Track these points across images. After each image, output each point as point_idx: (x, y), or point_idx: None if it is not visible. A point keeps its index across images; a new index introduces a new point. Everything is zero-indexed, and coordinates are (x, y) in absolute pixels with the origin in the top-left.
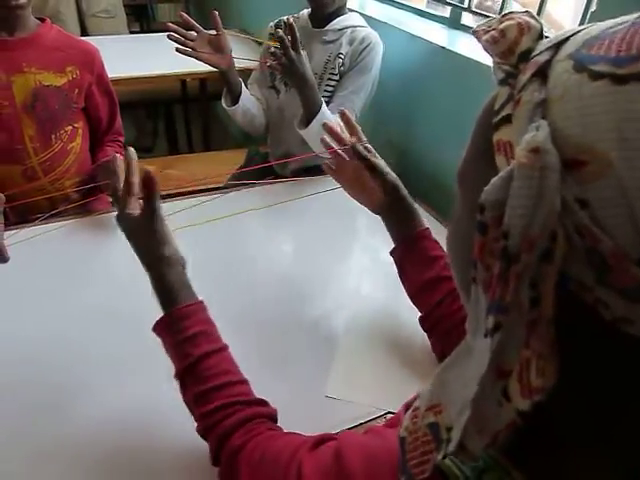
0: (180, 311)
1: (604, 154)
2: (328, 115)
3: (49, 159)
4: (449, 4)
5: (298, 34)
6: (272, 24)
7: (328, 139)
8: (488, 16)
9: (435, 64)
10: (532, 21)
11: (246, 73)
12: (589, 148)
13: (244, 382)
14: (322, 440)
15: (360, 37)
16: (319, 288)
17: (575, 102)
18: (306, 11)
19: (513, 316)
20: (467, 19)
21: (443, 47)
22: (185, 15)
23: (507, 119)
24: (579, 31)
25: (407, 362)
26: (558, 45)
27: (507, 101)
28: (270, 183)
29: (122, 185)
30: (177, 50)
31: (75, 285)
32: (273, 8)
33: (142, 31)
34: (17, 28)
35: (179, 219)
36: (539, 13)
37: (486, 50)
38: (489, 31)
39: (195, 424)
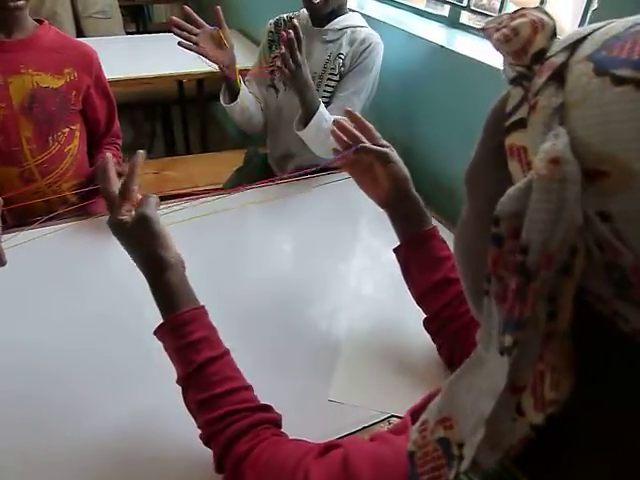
0: (182, 316)
1: (627, 164)
2: (326, 116)
3: (46, 161)
4: (448, 3)
5: (302, 35)
6: (271, 22)
7: (337, 135)
8: (487, 15)
9: (434, 63)
10: (545, 18)
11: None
12: (611, 158)
13: (248, 388)
14: (329, 448)
15: (361, 38)
16: (321, 290)
17: (596, 108)
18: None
19: (529, 332)
20: (466, 18)
21: (442, 46)
22: (189, 9)
23: (521, 123)
24: (596, 30)
25: (410, 365)
26: (574, 45)
27: (520, 103)
28: (269, 182)
29: (116, 188)
30: (179, 44)
31: (74, 289)
32: (271, 7)
33: (138, 32)
34: (15, 29)
35: (176, 221)
36: None
37: (497, 49)
38: (500, 29)
39: (198, 431)
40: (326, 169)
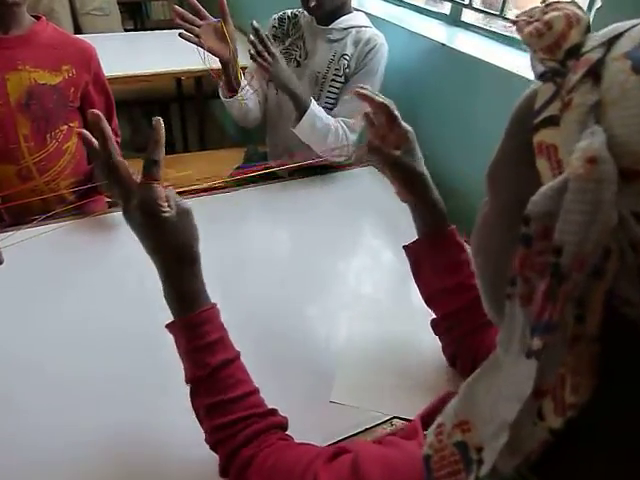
0: (200, 316)
1: None
2: (321, 115)
3: (44, 159)
4: (449, 0)
5: (269, 43)
6: (275, 17)
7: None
8: (489, 13)
9: (435, 61)
10: (580, 12)
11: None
12: None
13: (257, 391)
14: (338, 452)
15: (365, 38)
16: (322, 291)
17: (635, 107)
18: None
19: (557, 335)
20: (467, 16)
21: (443, 44)
22: (193, 0)
23: (551, 120)
24: (634, 27)
25: (412, 366)
26: (611, 41)
27: (550, 100)
28: (270, 180)
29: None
30: (180, 35)
31: (72, 288)
32: (271, 5)
33: (136, 29)
34: (12, 26)
35: None
36: None
37: (527, 43)
38: (532, 22)
39: (201, 434)
40: (329, 167)
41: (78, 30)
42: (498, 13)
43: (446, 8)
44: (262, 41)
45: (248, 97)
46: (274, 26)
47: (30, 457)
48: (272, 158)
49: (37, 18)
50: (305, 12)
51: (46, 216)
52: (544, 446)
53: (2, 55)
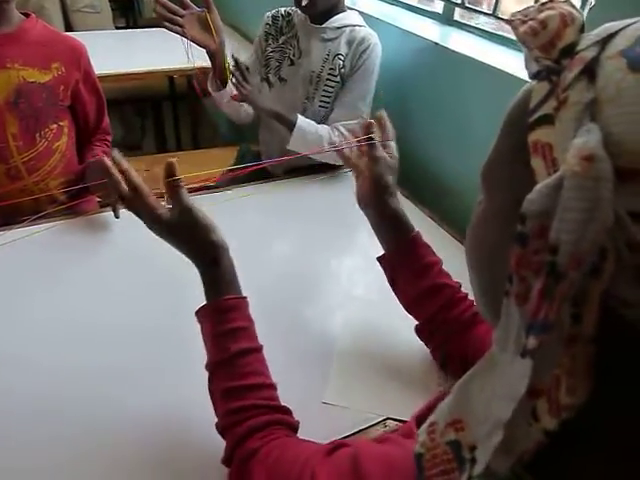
0: (227, 302)
1: None
2: (306, 127)
3: (33, 158)
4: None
5: (247, 74)
6: (269, 14)
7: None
8: (482, 12)
9: (428, 60)
10: (574, 12)
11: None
12: None
13: (273, 387)
14: (336, 447)
15: (359, 38)
16: (314, 291)
17: (631, 106)
18: None
19: (553, 335)
20: (459, 15)
21: (436, 43)
22: None
23: (547, 119)
24: (628, 25)
25: (406, 367)
26: (606, 40)
27: (545, 99)
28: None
29: (125, 189)
30: (163, 25)
31: (64, 288)
32: (263, 3)
33: (128, 27)
34: (0, 23)
35: None
36: None
37: (522, 42)
38: (527, 21)
39: (215, 420)
40: (325, 166)
41: (69, 27)
42: (491, 12)
43: (439, 7)
44: (241, 73)
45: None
46: (267, 24)
47: (49, 447)
48: (265, 157)
49: (26, 15)
50: (299, 11)
51: (37, 217)
52: (538, 446)
53: None
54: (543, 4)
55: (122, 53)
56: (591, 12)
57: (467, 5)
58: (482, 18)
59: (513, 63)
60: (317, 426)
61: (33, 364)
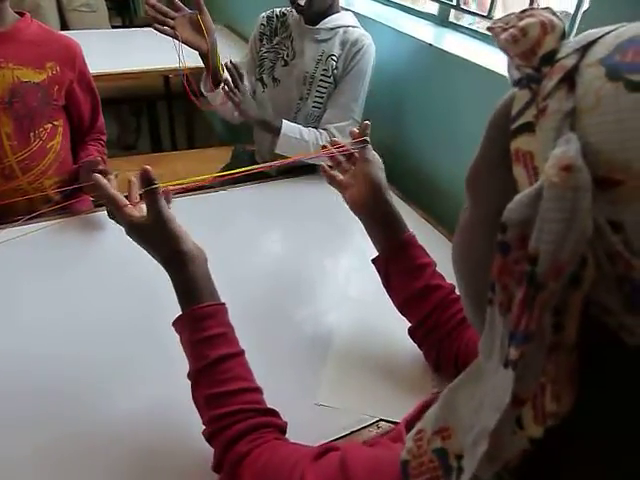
0: (202, 310)
1: None
2: (289, 132)
3: (27, 158)
4: (437, 1)
5: (239, 82)
6: (264, 15)
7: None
8: (476, 14)
9: (422, 61)
10: (555, 19)
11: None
12: (625, 166)
13: (257, 390)
14: (325, 450)
15: (353, 39)
16: (308, 292)
17: (610, 115)
18: None
19: (535, 344)
20: (454, 17)
21: (431, 44)
22: None
23: (527, 127)
24: (607, 33)
25: (399, 368)
26: (585, 48)
27: (526, 106)
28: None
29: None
30: (154, 27)
31: (58, 287)
32: (258, 2)
33: (124, 26)
34: None
35: None
36: None
37: (503, 50)
38: (507, 29)
39: (202, 427)
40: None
41: (65, 26)
42: (486, 15)
43: (434, 8)
44: (234, 80)
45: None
46: (262, 24)
47: (44, 446)
48: (259, 156)
49: (21, 15)
50: (294, 11)
51: (31, 216)
52: (523, 454)
53: None
54: (523, 11)
55: (118, 52)
56: (585, 15)
57: (462, 7)
58: (476, 19)
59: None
60: (310, 427)
61: (27, 363)
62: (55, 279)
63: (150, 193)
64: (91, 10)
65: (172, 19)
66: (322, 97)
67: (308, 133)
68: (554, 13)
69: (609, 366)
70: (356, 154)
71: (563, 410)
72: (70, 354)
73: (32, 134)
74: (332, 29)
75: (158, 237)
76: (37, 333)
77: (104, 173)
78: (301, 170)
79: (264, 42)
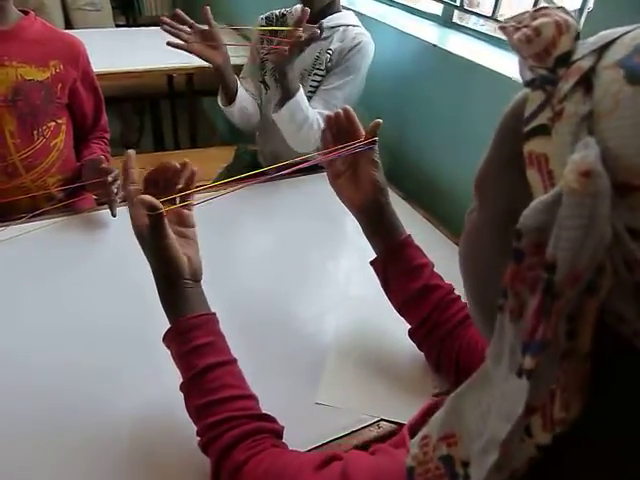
0: (189, 321)
1: None
2: (303, 106)
3: (31, 156)
4: (441, 1)
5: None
6: (263, 17)
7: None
8: (481, 15)
9: (426, 62)
10: (569, 19)
11: (239, 68)
12: None
13: (249, 397)
14: (328, 460)
15: (351, 36)
16: (309, 291)
17: (630, 119)
18: (299, 6)
19: (549, 352)
20: (458, 17)
21: (435, 45)
22: (180, 12)
23: (542, 129)
24: (625, 33)
25: (400, 368)
26: (602, 49)
27: (540, 108)
28: (259, 182)
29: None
30: (168, 44)
31: (61, 286)
32: (260, 3)
33: (128, 25)
34: None
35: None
36: None
37: (517, 50)
38: (520, 28)
39: (197, 438)
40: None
41: (69, 25)
42: (490, 15)
43: (437, 9)
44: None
45: (247, 101)
46: (262, 26)
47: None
48: (262, 157)
49: (25, 13)
50: (292, 12)
51: (34, 214)
52: (531, 462)
53: None
54: (537, 10)
55: (121, 51)
56: (589, 17)
57: (466, 8)
58: (480, 20)
59: (512, 66)
60: (310, 427)
61: (26, 362)
62: (57, 277)
63: (155, 220)
64: (95, 9)
65: (186, 34)
66: (314, 89)
67: (310, 111)
68: (568, 12)
69: (621, 374)
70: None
71: (571, 417)
72: (71, 351)
73: (35, 132)
74: (332, 27)
75: (154, 254)
76: (38, 331)
77: (107, 171)
78: (304, 170)
79: (264, 44)
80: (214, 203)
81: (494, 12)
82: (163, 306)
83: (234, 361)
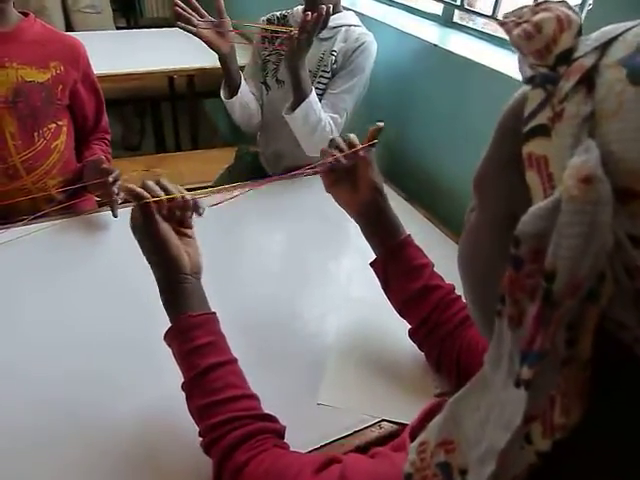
0: (189, 320)
1: None
2: (316, 107)
3: (31, 157)
4: (441, 1)
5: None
6: (264, 19)
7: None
8: (481, 14)
9: (427, 62)
10: (571, 14)
11: (241, 69)
12: None
13: (251, 397)
14: (328, 462)
15: (354, 36)
16: (310, 292)
17: (632, 122)
18: (300, 7)
19: (547, 361)
20: (458, 17)
21: (435, 45)
22: (193, 0)
23: (542, 130)
24: (628, 29)
25: (401, 368)
26: (605, 46)
27: (540, 108)
28: (259, 185)
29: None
30: (178, 25)
31: (62, 287)
32: (263, 3)
33: (129, 27)
34: None
35: None
36: None
37: (516, 46)
38: (520, 23)
39: (199, 439)
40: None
41: (70, 27)
42: (490, 14)
43: (437, 9)
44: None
45: (250, 99)
46: (263, 28)
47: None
48: (263, 158)
49: (25, 14)
50: (294, 13)
51: (35, 216)
52: (530, 469)
53: None
54: (537, 4)
55: (122, 53)
56: (590, 14)
57: (466, 7)
58: (480, 20)
59: (512, 65)
60: (312, 427)
61: (26, 364)
62: (58, 279)
63: (142, 206)
64: (96, 11)
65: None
66: (320, 92)
67: (322, 112)
68: (570, 7)
69: (622, 380)
70: (361, 153)
71: (571, 423)
72: (72, 354)
73: (36, 134)
74: (334, 28)
75: (146, 240)
76: (39, 333)
77: (108, 172)
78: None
79: (266, 45)
80: (212, 201)
81: (494, 11)
82: (164, 303)
83: (235, 361)
